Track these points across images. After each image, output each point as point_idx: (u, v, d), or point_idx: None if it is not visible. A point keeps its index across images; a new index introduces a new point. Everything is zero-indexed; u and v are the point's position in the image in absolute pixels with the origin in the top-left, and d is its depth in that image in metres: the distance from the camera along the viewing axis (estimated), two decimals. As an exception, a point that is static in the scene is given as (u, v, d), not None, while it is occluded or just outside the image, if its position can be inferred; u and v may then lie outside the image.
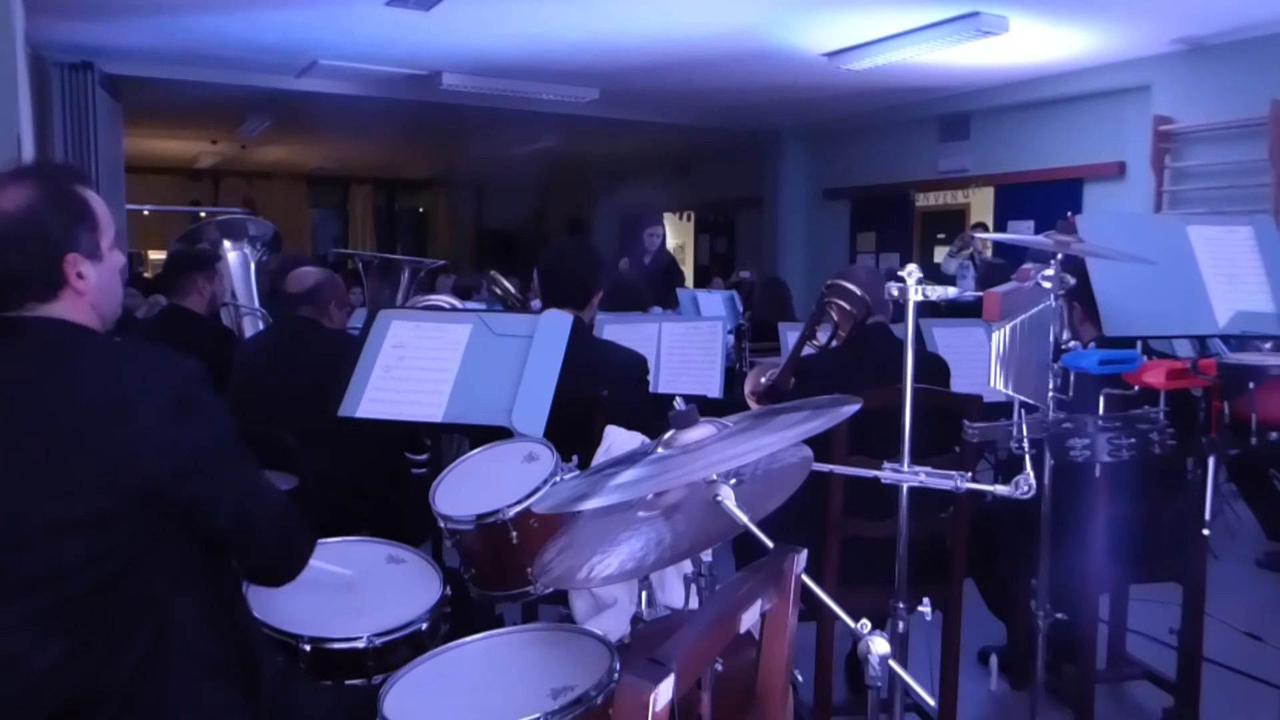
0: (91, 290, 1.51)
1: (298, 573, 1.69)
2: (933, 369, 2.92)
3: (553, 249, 3.21)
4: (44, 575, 1.42)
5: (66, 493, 1.41)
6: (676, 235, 14.60)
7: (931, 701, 1.29)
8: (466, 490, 2.10)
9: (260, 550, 1.62)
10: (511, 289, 4.44)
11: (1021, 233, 7.89)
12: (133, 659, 1.44)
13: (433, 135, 11.96)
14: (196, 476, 1.47)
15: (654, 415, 1.47)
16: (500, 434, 2.39)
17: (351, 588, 2.04)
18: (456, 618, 2.03)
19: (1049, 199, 8.23)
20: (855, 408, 1.43)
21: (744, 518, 1.27)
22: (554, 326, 2.60)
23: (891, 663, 1.22)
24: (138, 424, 1.43)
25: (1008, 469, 3.01)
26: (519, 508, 1.94)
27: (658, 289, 5.96)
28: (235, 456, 1.55)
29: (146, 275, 10.29)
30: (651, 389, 3.38)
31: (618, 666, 1.50)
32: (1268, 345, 2.60)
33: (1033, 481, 1.89)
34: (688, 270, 12.98)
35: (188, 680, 1.49)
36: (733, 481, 1.34)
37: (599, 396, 2.62)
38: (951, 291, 2.02)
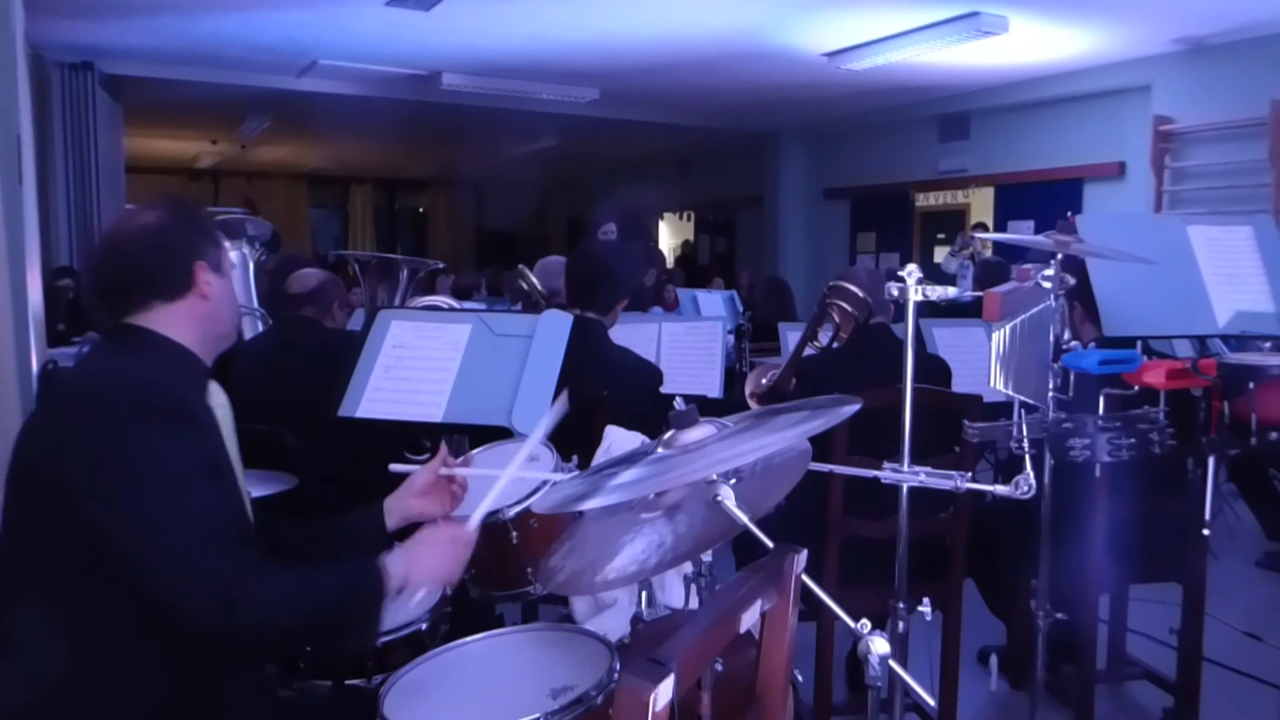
0: (214, 298, 1.62)
1: (235, 641, 1.41)
2: (933, 369, 2.93)
3: (580, 252, 3.22)
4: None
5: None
6: (676, 235, 14.62)
7: (931, 701, 1.29)
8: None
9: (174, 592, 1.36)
10: (538, 285, 4.42)
11: (1021, 233, 7.88)
12: (45, 688, 1.39)
13: (433, 135, 11.96)
14: (95, 493, 1.37)
15: (661, 426, 1.47)
16: (500, 434, 2.39)
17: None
18: (456, 618, 2.04)
19: (1049, 199, 8.23)
20: (855, 408, 1.43)
21: (744, 518, 1.27)
22: (554, 326, 2.60)
23: (891, 663, 1.22)
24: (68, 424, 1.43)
25: (1008, 469, 3.01)
26: (519, 508, 1.94)
27: (657, 288, 5.97)
28: (152, 480, 1.39)
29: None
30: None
31: (618, 666, 1.50)
32: (1268, 345, 2.60)
33: (1033, 481, 1.89)
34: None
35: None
36: (733, 481, 1.33)
37: (600, 397, 2.62)
38: (951, 291, 2.02)
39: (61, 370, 2.99)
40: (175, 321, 1.58)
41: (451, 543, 1.60)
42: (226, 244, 1.73)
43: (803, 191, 11.29)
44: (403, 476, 1.83)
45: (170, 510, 1.38)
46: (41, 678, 1.40)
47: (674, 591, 1.95)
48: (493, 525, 1.96)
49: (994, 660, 2.67)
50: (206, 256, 1.62)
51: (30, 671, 1.41)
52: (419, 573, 1.54)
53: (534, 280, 4.47)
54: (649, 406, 2.78)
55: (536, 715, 1.41)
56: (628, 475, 1.34)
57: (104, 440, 1.39)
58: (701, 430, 1.41)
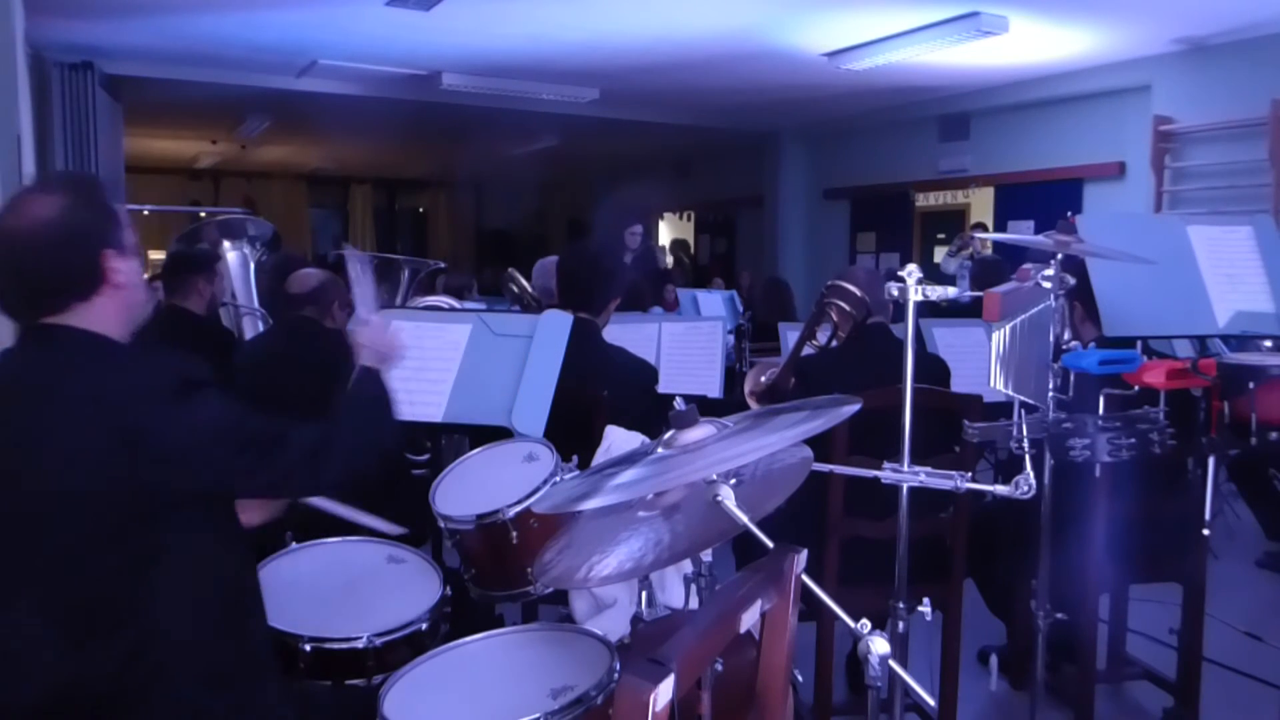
0: (128, 285, 1.55)
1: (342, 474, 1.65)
2: (933, 369, 2.93)
3: (572, 251, 3.22)
4: (44, 573, 1.44)
5: (67, 493, 1.43)
6: (676, 235, 14.61)
7: (931, 701, 1.29)
8: (466, 490, 2.11)
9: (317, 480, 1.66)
10: (529, 288, 4.43)
11: (1021, 233, 7.88)
12: (117, 659, 1.45)
13: (433, 135, 11.96)
14: (196, 461, 1.47)
15: (660, 425, 1.47)
16: (500, 434, 2.39)
17: (352, 588, 2.04)
18: (456, 618, 2.04)
19: (1049, 199, 8.22)
20: (855, 408, 1.43)
21: (744, 518, 1.27)
22: (554, 326, 2.60)
23: (891, 663, 1.22)
24: (135, 417, 1.44)
25: (1008, 469, 3.01)
26: (519, 508, 1.94)
27: (656, 288, 5.98)
28: (242, 436, 1.53)
29: (146, 275, 10.28)
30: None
31: (618, 666, 1.50)
32: (1268, 345, 2.60)
33: (1033, 481, 1.89)
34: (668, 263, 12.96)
35: (177, 685, 1.49)
36: (733, 481, 1.34)
37: (599, 396, 2.62)
38: (951, 291, 2.02)
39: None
40: (95, 317, 1.52)
41: (377, 330, 1.87)
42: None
43: (803, 191, 11.29)
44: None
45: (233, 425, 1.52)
46: (115, 646, 1.45)
47: (674, 591, 1.95)
48: (492, 525, 1.97)
49: (994, 660, 2.67)
50: (112, 242, 1.53)
51: (105, 642, 1.45)
52: (377, 358, 1.83)
53: (524, 283, 4.48)
54: (645, 405, 2.78)
55: (536, 715, 1.41)
56: (628, 475, 1.34)
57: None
58: (701, 430, 1.41)
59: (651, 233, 13.88)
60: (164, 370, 1.52)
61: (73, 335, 1.51)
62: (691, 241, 14.28)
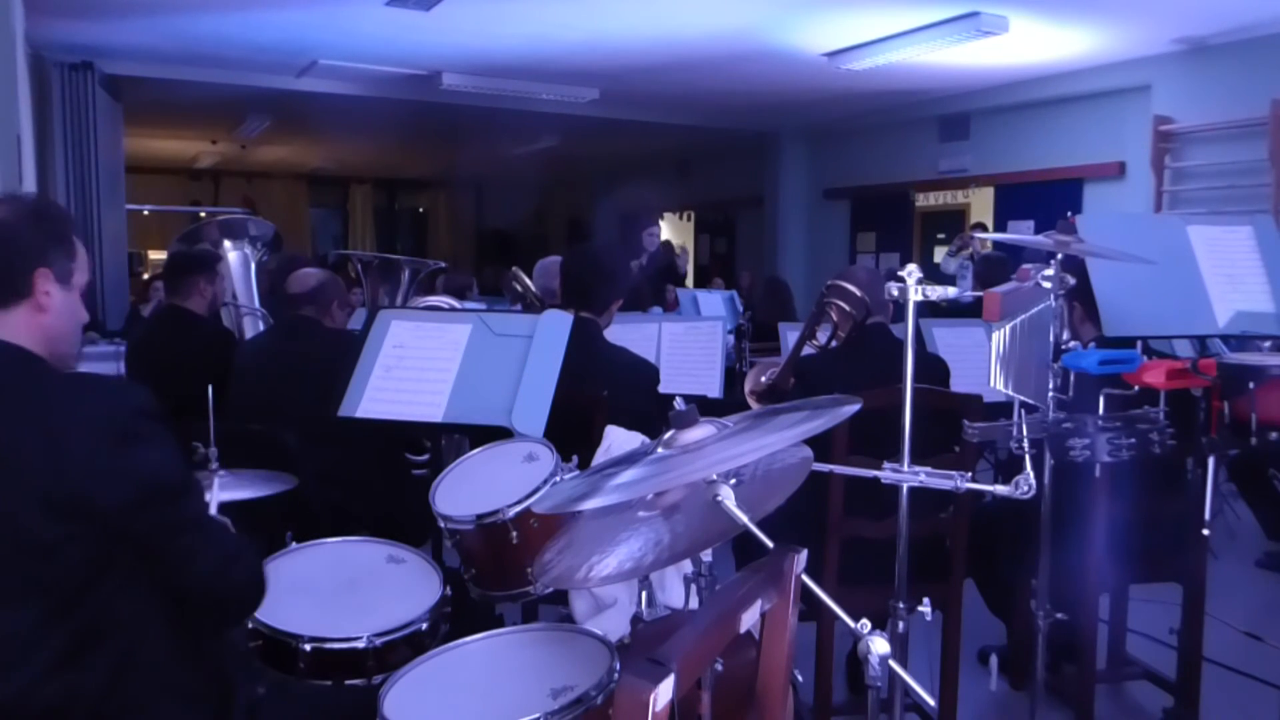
0: (53, 313, 1.51)
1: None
2: (932, 369, 2.93)
3: (577, 252, 3.22)
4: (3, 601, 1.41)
5: (6, 522, 1.39)
6: (676, 235, 14.61)
7: (931, 701, 1.29)
8: (466, 490, 2.10)
9: (235, 608, 1.62)
10: (532, 287, 4.43)
11: (1021, 233, 7.88)
12: (98, 681, 1.43)
13: (433, 135, 11.96)
14: (150, 508, 1.44)
15: (660, 425, 1.47)
16: (500, 434, 2.39)
17: (352, 588, 2.04)
18: (456, 618, 2.03)
19: (1049, 199, 8.22)
20: (855, 408, 1.43)
21: (744, 518, 1.27)
22: (554, 326, 2.60)
23: (891, 663, 1.22)
24: (70, 451, 1.39)
25: (1008, 469, 3.01)
26: (519, 508, 1.94)
27: (657, 288, 5.98)
28: (188, 489, 1.52)
29: (145, 276, 10.28)
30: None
31: (618, 666, 1.50)
32: (1268, 345, 2.60)
33: (1033, 481, 1.89)
34: (688, 270, 12.96)
35: (155, 704, 1.49)
36: (733, 481, 1.34)
37: (599, 396, 2.62)
38: (951, 291, 2.02)
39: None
40: (7, 327, 1.47)
41: None
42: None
43: (803, 191, 11.29)
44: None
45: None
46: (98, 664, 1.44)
47: (674, 591, 1.95)
48: (492, 525, 1.97)
49: (994, 660, 2.67)
50: (52, 265, 1.51)
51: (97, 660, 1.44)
52: None
53: (528, 282, 4.48)
54: (647, 404, 2.78)
55: (536, 715, 1.41)
56: (628, 475, 1.34)
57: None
58: (701, 430, 1.41)
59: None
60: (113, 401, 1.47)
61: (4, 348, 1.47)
62: (692, 241, 14.28)
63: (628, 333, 3.72)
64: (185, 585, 1.51)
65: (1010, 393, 2.17)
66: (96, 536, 1.41)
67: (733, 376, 4.56)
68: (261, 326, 4.86)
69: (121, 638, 1.45)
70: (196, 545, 1.51)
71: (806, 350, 3.18)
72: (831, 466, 2.14)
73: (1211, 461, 2.33)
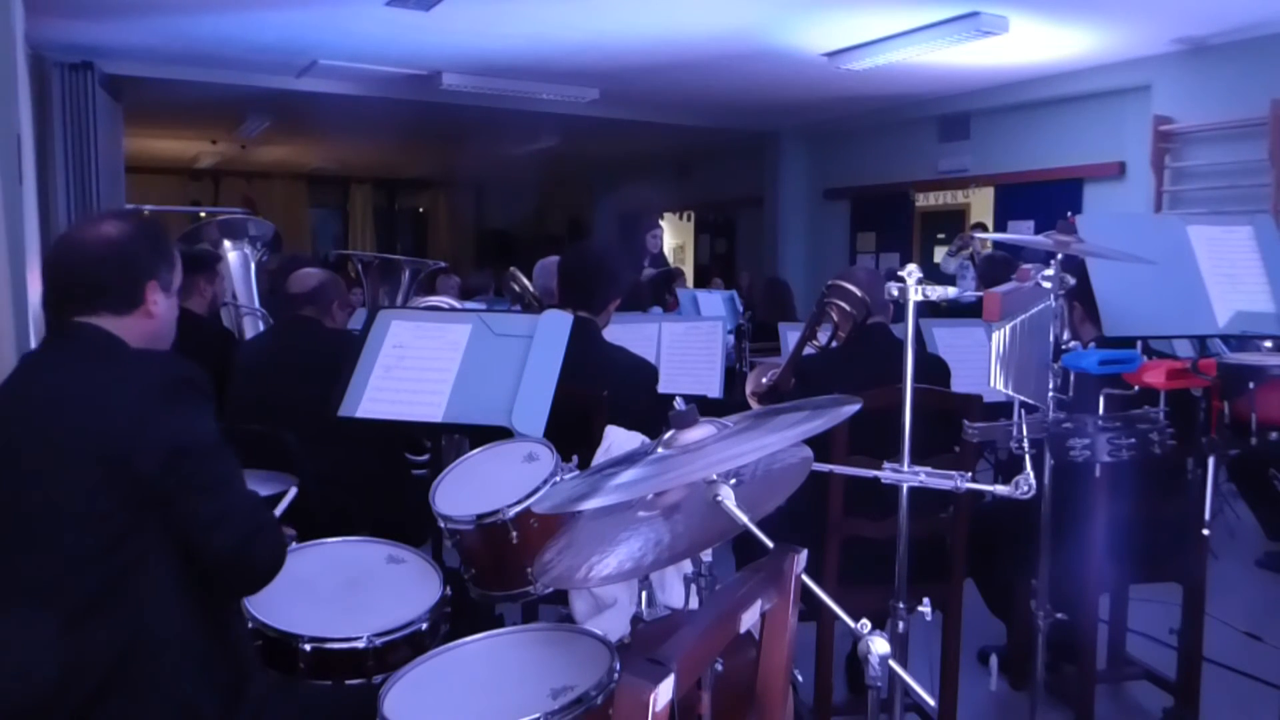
0: (159, 317, 1.69)
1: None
2: (933, 369, 2.93)
3: (574, 252, 3.22)
4: (47, 569, 1.49)
5: (66, 485, 1.49)
6: (676, 235, 14.61)
7: (931, 701, 1.29)
8: (466, 490, 2.10)
9: (251, 577, 1.68)
10: (530, 287, 4.43)
11: (1021, 233, 7.89)
12: (114, 652, 1.49)
13: (433, 135, 11.95)
14: (180, 464, 1.51)
15: (660, 425, 1.47)
16: (500, 434, 2.39)
17: (352, 588, 2.04)
18: (456, 618, 2.04)
19: (1049, 199, 8.22)
20: (855, 408, 1.43)
21: (744, 518, 1.27)
22: (554, 326, 2.60)
23: (891, 663, 1.22)
24: (124, 412, 1.51)
25: (1008, 469, 3.01)
26: (519, 508, 1.94)
27: (657, 294, 5.98)
28: (219, 451, 1.60)
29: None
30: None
31: (618, 666, 1.50)
32: (1268, 345, 2.60)
33: (1033, 481, 1.89)
34: (688, 270, 12.97)
35: (168, 678, 1.53)
36: (733, 481, 1.34)
37: (599, 396, 2.62)
38: (951, 291, 2.02)
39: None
40: (122, 330, 1.64)
41: None
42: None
43: (803, 191, 11.29)
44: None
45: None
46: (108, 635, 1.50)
47: (674, 591, 1.95)
48: (492, 525, 1.97)
49: (994, 660, 2.67)
50: (159, 277, 1.69)
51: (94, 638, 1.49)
52: None
53: (526, 282, 4.48)
54: (646, 404, 2.78)
55: (536, 715, 1.41)
56: (628, 475, 1.34)
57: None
58: (701, 430, 1.41)
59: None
60: (165, 368, 1.59)
61: (94, 331, 1.62)
62: (692, 241, 14.28)
63: (628, 333, 3.72)
64: (210, 550, 1.56)
65: (1010, 393, 2.17)
66: (130, 499, 1.49)
67: (733, 376, 4.55)
68: (261, 326, 4.86)
69: (133, 607, 1.50)
70: (224, 509, 1.57)
71: (807, 350, 3.18)
72: (831, 466, 2.15)
73: (1211, 461, 2.33)
